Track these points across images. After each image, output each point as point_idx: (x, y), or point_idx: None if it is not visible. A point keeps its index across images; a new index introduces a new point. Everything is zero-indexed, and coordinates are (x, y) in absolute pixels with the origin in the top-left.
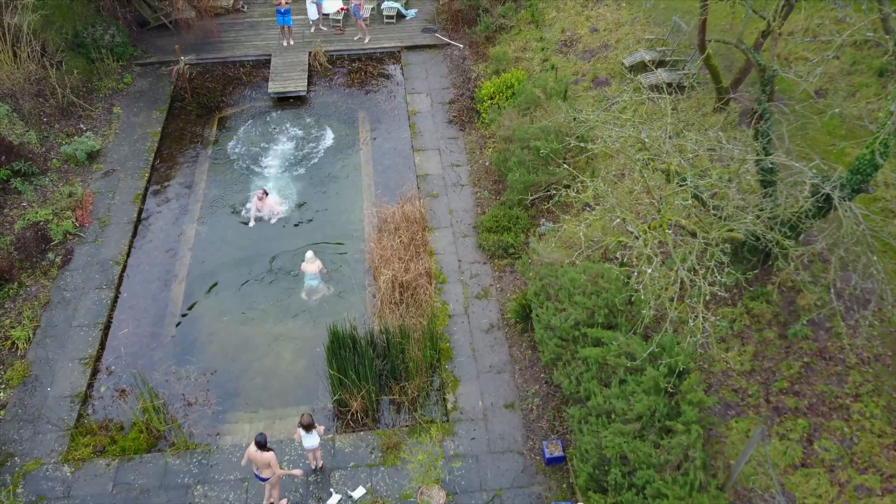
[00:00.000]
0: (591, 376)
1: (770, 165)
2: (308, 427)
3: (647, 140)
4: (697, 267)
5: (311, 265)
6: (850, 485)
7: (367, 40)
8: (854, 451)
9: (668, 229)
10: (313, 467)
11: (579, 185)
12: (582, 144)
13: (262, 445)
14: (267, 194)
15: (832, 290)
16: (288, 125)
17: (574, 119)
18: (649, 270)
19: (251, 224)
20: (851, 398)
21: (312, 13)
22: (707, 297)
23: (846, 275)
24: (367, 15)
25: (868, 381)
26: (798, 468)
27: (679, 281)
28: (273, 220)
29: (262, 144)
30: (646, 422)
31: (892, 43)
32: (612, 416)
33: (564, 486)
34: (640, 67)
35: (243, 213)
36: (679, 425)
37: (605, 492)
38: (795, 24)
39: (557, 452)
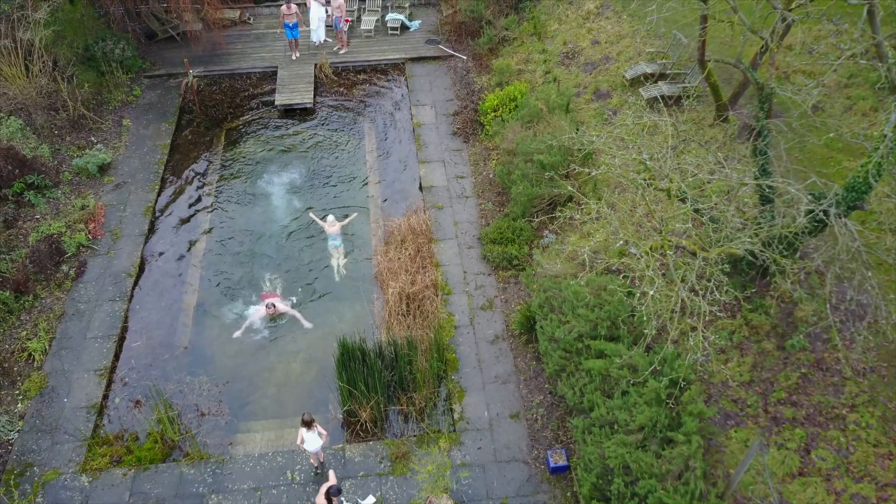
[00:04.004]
0: (594, 388)
1: (768, 186)
2: (309, 424)
3: (648, 162)
4: (697, 287)
5: (333, 227)
6: (846, 493)
7: (343, 51)
8: (850, 460)
9: (670, 251)
10: (315, 465)
11: (581, 206)
12: (585, 170)
13: (329, 496)
14: (275, 306)
15: (828, 304)
16: (294, 136)
17: (580, 143)
18: (651, 292)
19: (237, 334)
20: (847, 409)
21: (315, 36)
22: (707, 317)
23: (842, 289)
24: (347, 27)
25: (864, 392)
26: (795, 477)
27: (679, 300)
28: (302, 322)
29: (268, 155)
30: (647, 432)
31: (884, 69)
32: (615, 427)
33: (569, 494)
34: (642, 80)
35: (247, 314)
36: (680, 436)
37: (608, 501)
38: (794, 38)
39: (562, 462)
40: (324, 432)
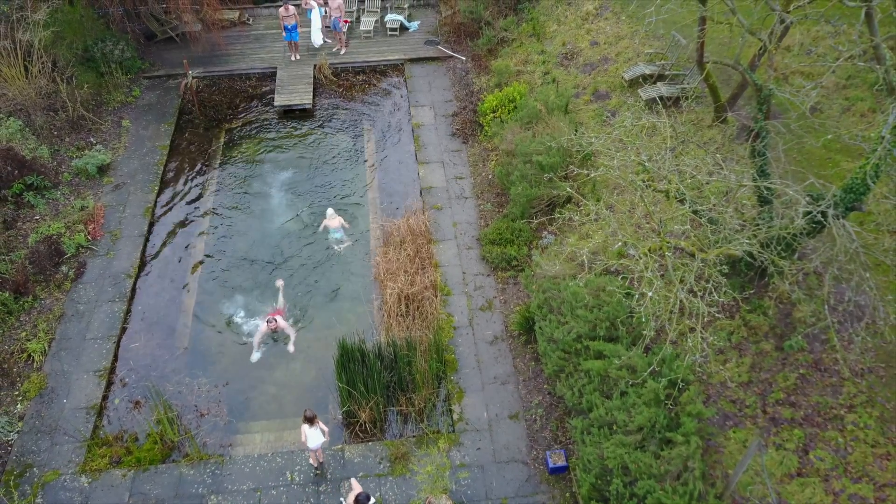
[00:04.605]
0: (592, 388)
1: (766, 188)
2: (311, 420)
3: (647, 164)
4: (696, 289)
5: (333, 221)
6: (844, 494)
7: (342, 52)
8: (848, 460)
9: (668, 252)
10: (315, 465)
11: (581, 208)
12: (585, 172)
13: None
14: (276, 321)
15: (827, 305)
16: (293, 137)
17: (579, 145)
18: (650, 294)
19: (256, 356)
20: (846, 409)
21: (313, 38)
22: (705, 318)
23: (840, 290)
24: (346, 28)
25: (862, 393)
26: (794, 477)
27: (678, 302)
28: (289, 344)
29: (267, 156)
30: (646, 433)
31: (882, 71)
32: (614, 428)
33: (567, 495)
34: (640, 81)
35: (248, 333)
36: (679, 436)
37: (607, 501)
38: (792, 40)
39: (561, 462)
40: (325, 429)
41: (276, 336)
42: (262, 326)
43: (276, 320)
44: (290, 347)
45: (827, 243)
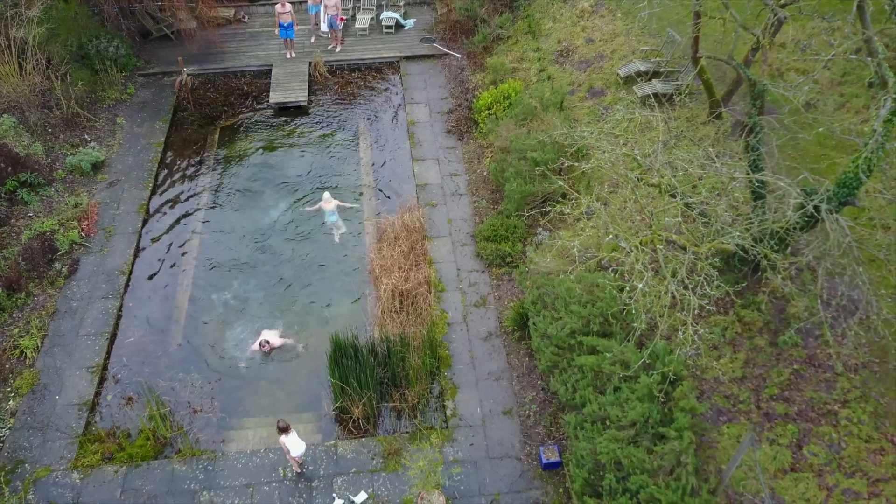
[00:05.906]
0: (586, 384)
1: (759, 182)
2: (285, 430)
3: (639, 158)
4: (688, 281)
5: (329, 204)
6: (837, 489)
7: (338, 49)
8: (842, 455)
9: (660, 244)
10: (300, 472)
11: (573, 201)
12: (576, 164)
13: None
14: (269, 343)
15: (820, 300)
16: (288, 135)
17: (572, 139)
18: (640, 286)
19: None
20: (839, 404)
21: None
22: (696, 311)
23: (833, 285)
24: (341, 27)
25: (855, 388)
26: (787, 472)
27: (670, 295)
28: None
29: (261, 154)
30: (639, 428)
31: (874, 64)
32: (607, 423)
33: (561, 490)
34: (636, 78)
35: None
36: (672, 431)
37: (600, 496)
38: (786, 36)
39: (554, 458)
40: (299, 445)
41: (272, 356)
42: (254, 345)
43: (268, 342)
44: (299, 348)
45: (820, 238)
